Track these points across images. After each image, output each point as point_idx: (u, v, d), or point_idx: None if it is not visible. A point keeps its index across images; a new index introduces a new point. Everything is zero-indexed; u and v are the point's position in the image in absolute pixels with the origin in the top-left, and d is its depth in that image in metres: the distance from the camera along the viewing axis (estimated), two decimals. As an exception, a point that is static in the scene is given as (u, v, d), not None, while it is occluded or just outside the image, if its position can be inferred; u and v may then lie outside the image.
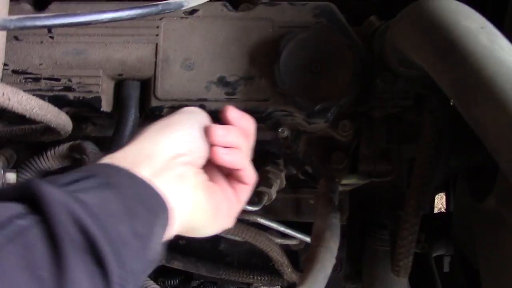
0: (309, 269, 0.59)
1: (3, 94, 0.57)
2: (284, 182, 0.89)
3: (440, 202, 2.20)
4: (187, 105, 0.79)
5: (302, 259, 0.63)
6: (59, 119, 0.66)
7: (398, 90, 0.81)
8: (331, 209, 0.69)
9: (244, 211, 0.85)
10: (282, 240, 0.95)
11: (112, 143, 0.79)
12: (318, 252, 0.61)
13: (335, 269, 1.06)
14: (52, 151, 0.75)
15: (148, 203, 0.48)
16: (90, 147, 0.67)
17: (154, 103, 0.81)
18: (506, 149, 0.52)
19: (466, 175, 1.11)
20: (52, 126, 0.66)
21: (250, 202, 0.83)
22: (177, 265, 1.03)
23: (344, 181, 0.81)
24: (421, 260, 1.34)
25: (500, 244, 0.98)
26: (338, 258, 1.06)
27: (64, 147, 0.73)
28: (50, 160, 0.74)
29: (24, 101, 0.58)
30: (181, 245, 1.08)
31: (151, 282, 0.78)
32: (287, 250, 1.02)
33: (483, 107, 0.53)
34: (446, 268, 1.49)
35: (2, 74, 0.80)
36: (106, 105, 0.82)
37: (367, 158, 0.91)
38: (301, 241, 0.97)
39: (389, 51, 0.74)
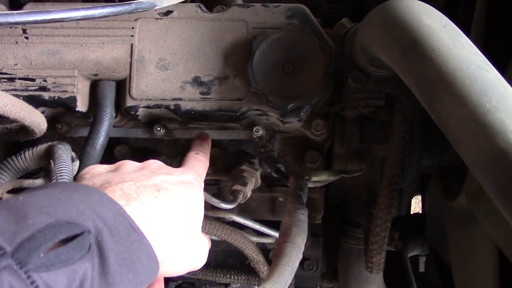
0: (276, 264, 0.60)
1: (-24, 91, 0.57)
2: (259, 181, 0.90)
3: (418, 206, 2.23)
4: (162, 105, 0.81)
5: (269, 255, 0.64)
6: (33, 116, 0.66)
7: (369, 90, 0.83)
8: (299, 205, 0.70)
9: (219, 210, 0.86)
10: (257, 239, 0.96)
11: (87, 143, 0.80)
12: (285, 247, 0.63)
13: (311, 268, 1.08)
14: (30, 151, 0.75)
15: (136, 264, 0.49)
16: (59, 152, 0.67)
17: (130, 102, 0.82)
18: (465, 142, 0.54)
19: (439, 175, 1.14)
20: (26, 124, 0.66)
21: (225, 200, 0.84)
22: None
23: (314, 178, 0.82)
24: (397, 260, 1.36)
25: (470, 242, 1.00)
26: (314, 257, 1.08)
27: (41, 148, 0.73)
28: (28, 161, 0.74)
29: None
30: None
31: None
32: (263, 249, 1.03)
33: (445, 102, 0.56)
34: (421, 268, 1.52)
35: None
36: (81, 105, 0.83)
37: (341, 158, 0.93)
38: (277, 239, 0.98)
39: (359, 52, 0.77)
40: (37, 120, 0.68)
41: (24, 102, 0.65)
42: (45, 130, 0.74)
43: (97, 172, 0.62)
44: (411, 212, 1.66)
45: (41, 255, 0.42)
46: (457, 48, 0.57)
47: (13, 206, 0.46)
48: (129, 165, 0.64)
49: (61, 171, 0.69)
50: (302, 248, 0.65)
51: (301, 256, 0.64)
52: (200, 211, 0.63)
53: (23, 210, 0.45)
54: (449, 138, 0.57)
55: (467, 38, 0.59)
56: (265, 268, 0.97)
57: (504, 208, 0.53)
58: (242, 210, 0.96)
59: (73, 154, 0.76)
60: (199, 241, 0.62)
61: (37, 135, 0.74)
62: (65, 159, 0.65)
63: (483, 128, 0.52)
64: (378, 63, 0.75)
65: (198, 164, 0.74)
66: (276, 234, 0.94)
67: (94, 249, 0.46)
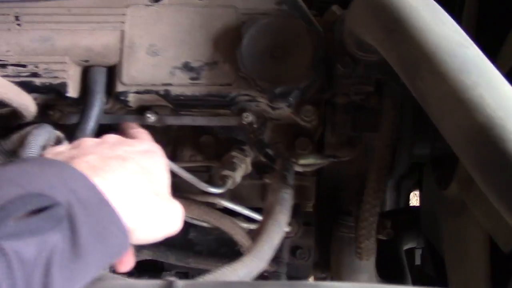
0: (256, 241, 0.61)
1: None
2: (250, 168, 0.90)
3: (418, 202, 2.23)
4: (152, 90, 0.82)
5: (252, 235, 0.65)
6: (20, 98, 0.67)
7: (358, 75, 0.84)
8: (283, 185, 0.71)
9: (209, 195, 0.87)
10: (248, 225, 0.97)
11: (77, 128, 0.81)
12: (266, 224, 0.63)
13: (303, 257, 1.08)
14: (18, 134, 0.76)
15: (107, 237, 0.49)
16: (29, 137, 0.66)
17: (120, 88, 0.82)
18: (446, 119, 0.55)
19: (432, 164, 1.14)
20: (13, 106, 0.67)
21: (214, 185, 0.84)
22: (146, 253, 1.04)
23: (301, 161, 0.83)
24: (391, 252, 1.36)
25: (462, 230, 1.01)
26: (307, 246, 1.08)
27: (27, 130, 0.74)
28: (15, 143, 0.75)
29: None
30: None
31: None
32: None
33: (425, 79, 0.56)
34: (417, 261, 1.52)
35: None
36: (72, 91, 0.84)
37: (332, 145, 0.94)
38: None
39: (347, 36, 0.77)
40: (24, 102, 0.68)
41: (11, 84, 0.66)
42: (34, 113, 0.75)
43: (58, 151, 0.63)
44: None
45: (11, 224, 0.43)
46: (438, 26, 0.57)
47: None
48: (88, 141, 0.65)
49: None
50: (284, 226, 0.65)
51: (282, 233, 0.65)
52: (166, 176, 0.64)
53: None
54: (431, 116, 0.58)
55: (448, 16, 0.59)
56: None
57: (483, 184, 0.53)
58: (233, 197, 0.96)
59: (61, 136, 0.77)
60: (170, 204, 0.62)
61: (27, 118, 0.75)
62: (33, 145, 0.65)
63: (462, 104, 0.52)
64: (366, 47, 0.76)
65: (145, 135, 0.76)
66: (267, 220, 0.95)
67: (65, 221, 0.46)
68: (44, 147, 0.72)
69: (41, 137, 0.66)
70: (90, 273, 0.49)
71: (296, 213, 1.03)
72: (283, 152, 0.87)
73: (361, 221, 0.87)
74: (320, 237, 1.13)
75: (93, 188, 0.50)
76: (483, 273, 0.92)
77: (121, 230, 0.51)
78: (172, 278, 0.46)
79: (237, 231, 0.90)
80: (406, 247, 1.43)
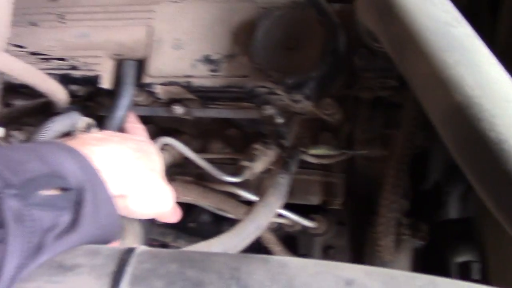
0: (242, 220, 0.62)
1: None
2: (273, 161, 0.91)
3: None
4: (175, 82, 0.86)
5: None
6: (47, 84, 0.73)
7: (378, 68, 0.82)
8: (282, 170, 0.71)
9: (228, 185, 0.89)
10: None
11: (107, 116, 0.87)
12: (255, 206, 0.64)
13: (335, 257, 1.06)
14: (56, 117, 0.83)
15: (102, 223, 0.54)
16: (49, 122, 0.72)
17: (147, 80, 0.87)
18: (428, 98, 0.53)
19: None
20: (41, 91, 0.73)
21: (232, 174, 0.86)
22: (180, 243, 1.08)
23: (312, 151, 0.82)
24: (439, 263, 1.29)
25: (503, 233, 0.94)
26: (339, 246, 1.06)
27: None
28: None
29: (9, 62, 0.65)
30: (189, 227, 1.14)
31: None
32: (285, 235, 1.04)
33: (410, 59, 0.55)
34: (475, 275, 1.43)
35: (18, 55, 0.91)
36: (106, 83, 0.90)
37: (361, 142, 0.92)
38: (296, 223, 0.98)
39: (360, 27, 0.76)
40: (51, 88, 0.75)
41: (38, 71, 0.72)
42: (64, 101, 0.81)
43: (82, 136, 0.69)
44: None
45: (39, 195, 0.49)
46: (426, 6, 0.56)
47: (25, 146, 0.54)
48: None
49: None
50: (275, 208, 0.65)
51: (271, 215, 0.65)
52: (160, 162, 0.69)
53: (29, 155, 0.52)
54: (417, 97, 0.56)
55: (440, -3, 0.57)
56: (279, 248, 0.97)
57: (461, 164, 0.50)
58: (258, 192, 0.97)
59: (92, 123, 0.83)
60: (163, 183, 0.66)
61: (59, 106, 0.81)
62: (46, 129, 0.72)
63: (442, 84, 0.50)
64: (376, 37, 0.74)
65: (140, 130, 0.83)
66: (288, 213, 0.94)
67: (74, 204, 0.52)
68: (70, 131, 0.79)
69: (57, 123, 0.73)
70: (78, 243, 0.53)
71: (327, 211, 1.02)
72: (295, 142, 0.87)
73: (379, 217, 0.84)
74: (357, 238, 1.10)
75: (104, 185, 0.55)
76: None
77: (116, 223, 0.56)
78: (137, 245, 0.49)
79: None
80: (460, 259, 1.35)
